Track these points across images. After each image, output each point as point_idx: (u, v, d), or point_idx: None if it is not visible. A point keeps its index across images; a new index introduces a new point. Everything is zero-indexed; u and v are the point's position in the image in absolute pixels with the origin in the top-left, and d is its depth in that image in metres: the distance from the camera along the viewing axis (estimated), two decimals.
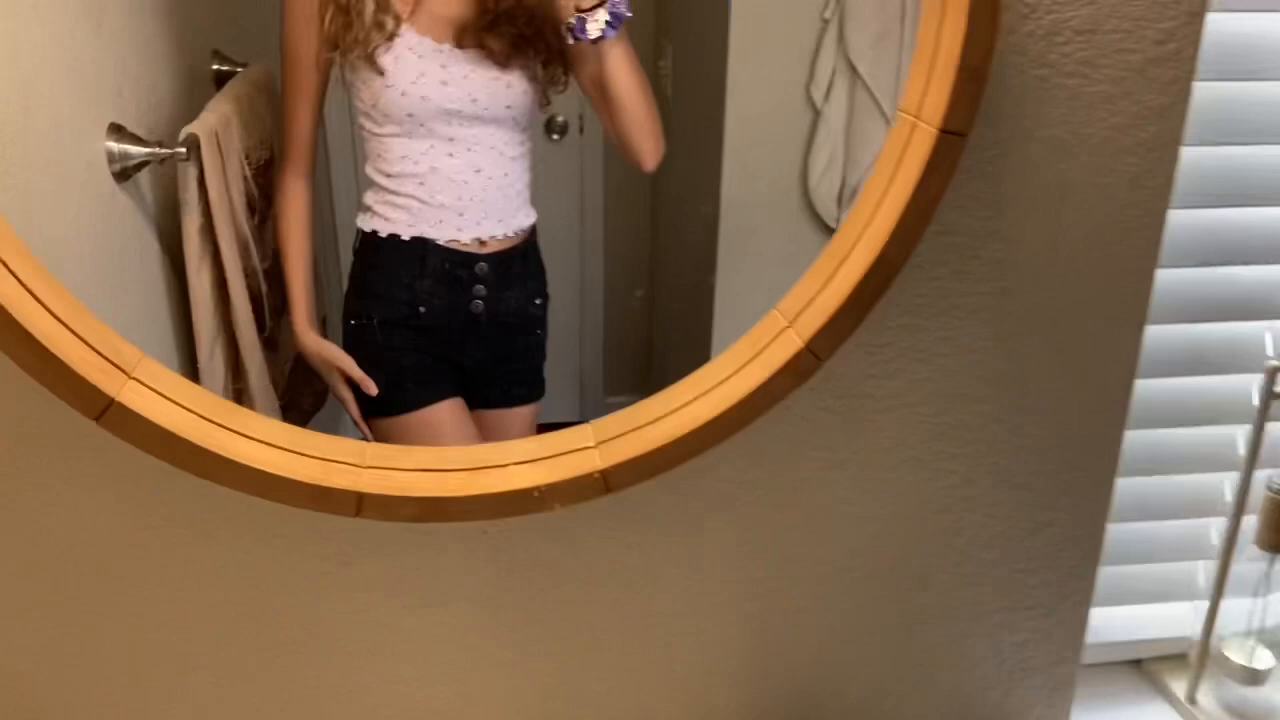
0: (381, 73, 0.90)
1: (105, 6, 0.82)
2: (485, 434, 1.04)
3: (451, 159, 0.93)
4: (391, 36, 0.89)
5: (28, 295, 0.72)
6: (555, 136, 1.01)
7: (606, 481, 0.81)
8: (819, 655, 0.97)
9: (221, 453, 0.76)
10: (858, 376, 0.86)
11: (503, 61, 0.91)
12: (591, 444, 0.83)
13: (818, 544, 0.92)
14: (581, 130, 1.02)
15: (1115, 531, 1.06)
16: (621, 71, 0.91)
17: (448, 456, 0.83)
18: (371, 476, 0.80)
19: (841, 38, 0.96)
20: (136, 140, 0.84)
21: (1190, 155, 0.92)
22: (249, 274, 0.94)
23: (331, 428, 0.96)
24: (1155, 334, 1.00)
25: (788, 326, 0.81)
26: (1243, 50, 0.95)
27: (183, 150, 0.86)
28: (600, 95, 0.93)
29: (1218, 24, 0.89)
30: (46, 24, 0.76)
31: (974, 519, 0.93)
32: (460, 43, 0.91)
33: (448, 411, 1.01)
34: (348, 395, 0.97)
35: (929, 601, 0.95)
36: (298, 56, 0.92)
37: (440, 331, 0.99)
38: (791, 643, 0.96)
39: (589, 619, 0.92)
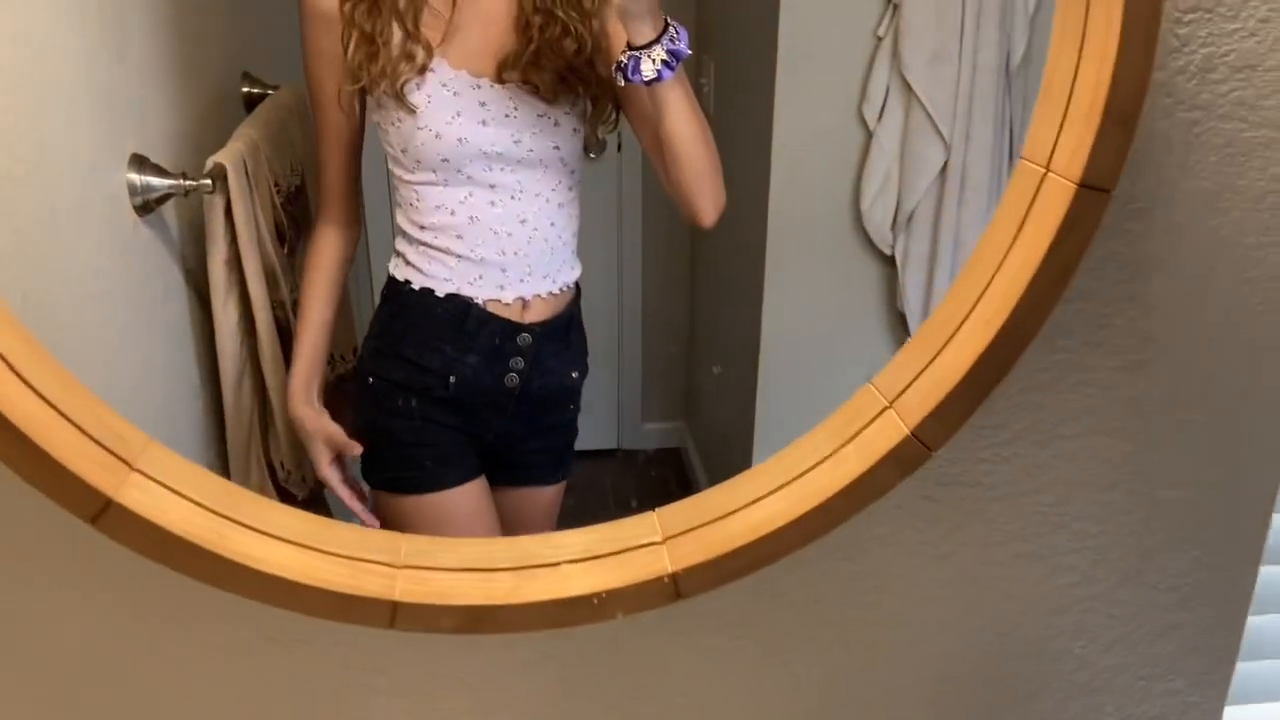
0: (412, 111, 0.79)
1: (128, 33, 0.78)
2: (503, 512, 0.93)
3: (493, 208, 0.82)
4: (422, 69, 0.79)
5: (12, 375, 0.62)
6: (592, 155, 0.91)
7: (677, 586, 0.70)
8: None
9: (234, 558, 0.66)
10: (967, 461, 0.75)
11: (549, 97, 0.80)
12: (658, 539, 0.72)
13: (915, 648, 0.80)
14: (619, 148, 0.94)
15: (1252, 624, 0.94)
16: (681, 118, 0.79)
17: (494, 554, 0.73)
18: (407, 580, 0.69)
19: (896, 55, 0.90)
20: (160, 172, 0.79)
21: None
22: (277, 305, 0.89)
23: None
24: None
25: (888, 407, 0.69)
26: None
27: (208, 183, 0.81)
28: (655, 143, 0.82)
29: None
30: (65, 53, 0.71)
31: (1094, 621, 0.81)
32: (500, 77, 0.80)
33: (465, 497, 0.90)
34: (334, 476, 0.87)
35: (1042, 712, 0.84)
36: (321, 95, 0.83)
37: (468, 404, 0.88)
38: None
39: None
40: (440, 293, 0.85)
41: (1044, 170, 0.64)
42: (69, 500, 0.63)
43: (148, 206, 0.79)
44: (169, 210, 0.82)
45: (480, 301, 0.85)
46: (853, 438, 0.70)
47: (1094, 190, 0.62)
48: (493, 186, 0.82)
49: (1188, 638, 0.83)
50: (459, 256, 0.84)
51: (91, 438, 0.64)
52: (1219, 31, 0.65)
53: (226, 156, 0.82)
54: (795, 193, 0.94)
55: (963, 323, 0.68)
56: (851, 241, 0.96)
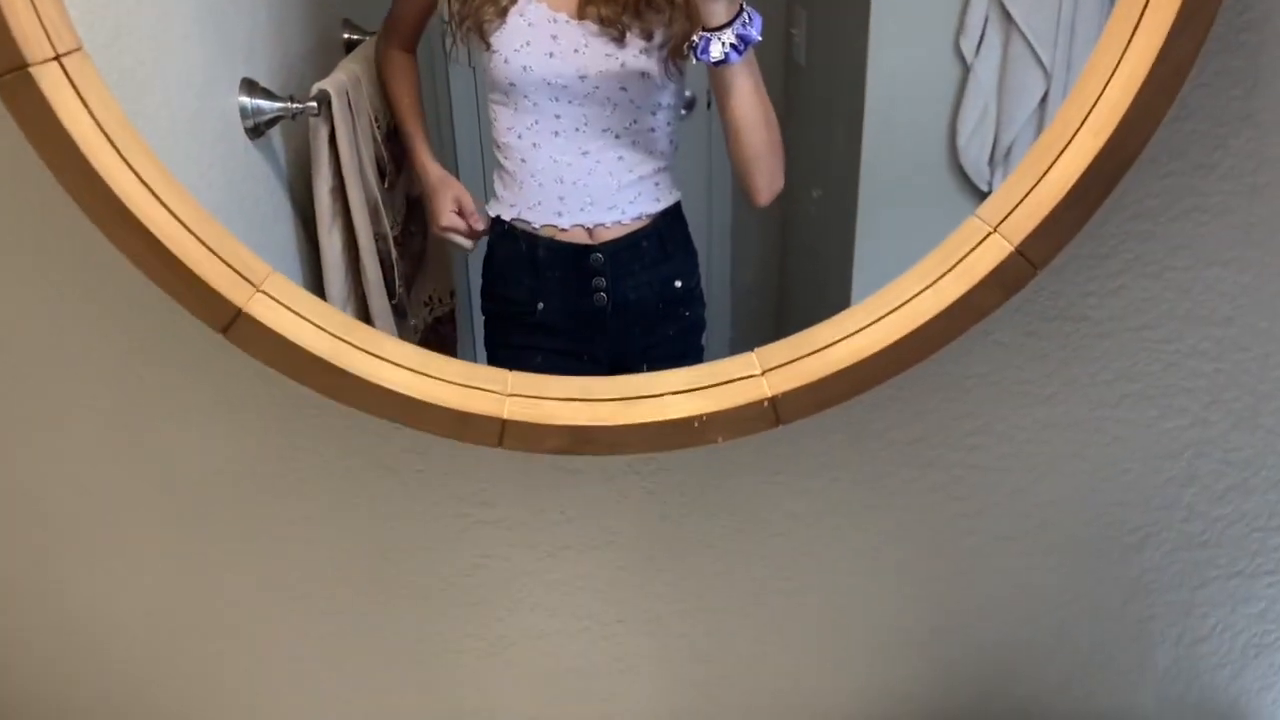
0: (490, 46, 0.85)
1: None
2: None
3: (557, 138, 0.86)
4: (504, 11, 0.84)
5: (155, 201, 0.67)
6: (684, 112, 0.93)
7: (777, 411, 0.71)
8: (1014, 627, 0.84)
9: (356, 373, 0.70)
10: (1073, 295, 0.73)
11: (619, 36, 0.83)
12: (758, 372, 0.73)
13: (1017, 494, 0.79)
14: (709, 105, 0.93)
15: None
16: (743, 100, 0.82)
17: (597, 387, 0.75)
18: (515, 404, 0.72)
19: None
20: (269, 95, 0.83)
21: None
22: (379, 238, 0.92)
23: None
24: None
25: (993, 231, 0.69)
26: None
27: (314, 105, 0.84)
28: (722, 112, 0.85)
29: None
30: None
31: (1208, 466, 0.79)
32: (579, 13, 0.83)
33: None
34: (453, 221, 0.93)
35: (1149, 564, 0.82)
36: (406, 7, 0.90)
37: (564, 327, 0.92)
38: (980, 611, 0.84)
39: (750, 572, 0.82)
40: (507, 218, 0.89)
41: None
42: (204, 310, 0.67)
43: (258, 130, 0.83)
44: (276, 137, 0.85)
45: (538, 225, 0.88)
46: (956, 264, 0.70)
47: None
48: (557, 117, 0.86)
49: None
50: (521, 181, 0.88)
51: (223, 259, 0.69)
52: None
53: (331, 84, 0.86)
54: (889, 134, 0.93)
55: (1071, 141, 0.66)
56: (947, 179, 0.94)
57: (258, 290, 0.69)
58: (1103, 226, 0.71)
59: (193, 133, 0.77)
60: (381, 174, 0.93)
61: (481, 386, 0.73)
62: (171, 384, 0.75)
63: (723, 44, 0.78)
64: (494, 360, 0.90)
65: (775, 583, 0.83)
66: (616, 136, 0.87)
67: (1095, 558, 0.82)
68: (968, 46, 0.89)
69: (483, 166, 0.95)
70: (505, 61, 0.85)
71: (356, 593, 0.83)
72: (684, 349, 0.96)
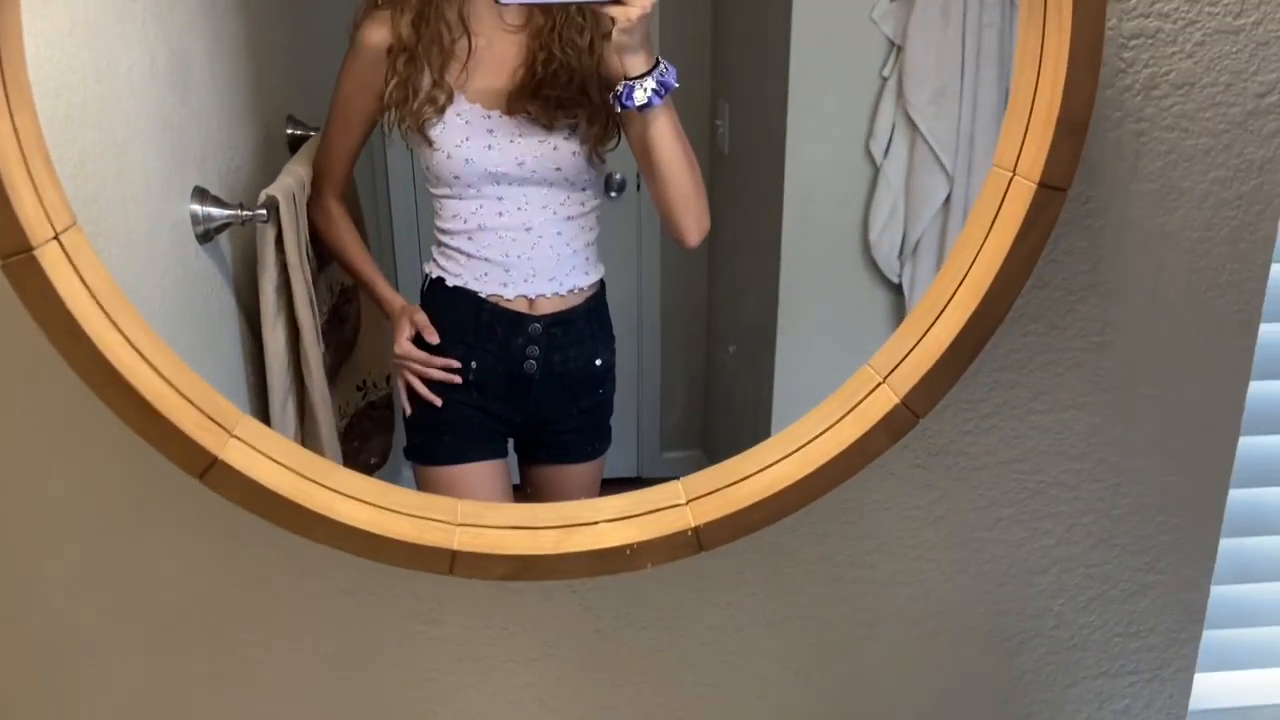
0: (430, 143, 0.92)
1: (191, 78, 0.85)
2: (547, 489, 1.03)
3: (501, 217, 0.94)
4: (443, 109, 0.91)
5: (137, 356, 0.73)
6: (613, 194, 1.01)
7: (699, 539, 0.80)
8: None
9: (320, 511, 0.77)
10: (953, 433, 0.84)
11: (548, 125, 0.92)
12: (682, 501, 0.82)
13: (909, 605, 0.90)
14: (639, 187, 1.01)
15: (1220, 594, 1.02)
16: (665, 141, 0.90)
17: (538, 514, 0.83)
18: (464, 534, 0.80)
19: (900, 94, 0.95)
20: (219, 203, 0.87)
21: None
22: (315, 330, 0.96)
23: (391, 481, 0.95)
24: (1261, 390, 0.97)
25: (882, 382, 0.80)
26: None
27: (263, 212, 0.88)
28: (646, 163, 0.93)
29: None
30: (138, 94, 0.79)
31: (1072, 580, 0.90)
32: (509, 110, 0.92)
33: (478, 475, 1.00)
34: (410, 350, 0.97)
35: (1025, 666, 0.93)
36: (349, 111, 0.94)
37: (492, 388, 0.98)
38: (880, 709, 0.93)
39: (679, 680, 0.90)
40: (450, 284, 0.96)
41: (1010, 174, 0.75)
42: (182, 458, 0.74)
43: (208, 236, 0.87)
44: (223, 241, 0.89)
45: (484, 295, 0.96)
46: (851, 410, 0.80)
47: (1051, 189, 0.72)
48: (500, 199, 0.94)
49: (1158, 597, 0.92)
50: (469, 255, 0.95)
51: (198, 407, 0.75)
52: (1160, 54, 0.76)
53: (279, 190, 0.89)
54: (807, 226, 0.99)
55: (944, 308, 0.78)
56: (861, 271, 1.00)
57: (231, 436, 0.76)
58: (976, 377, 0.83)
59: (148, 244, 0.81)
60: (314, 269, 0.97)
61: (433, 517, 0.80)
62: (148, 519, 0.81)
63: (645, 90, 0.87)
64: (417, 409, 0.97)
65: (700, 688, 0.91)
66: (554, 213, 0.94)
67: (979, 661, 0.92)
68: (877, 149, 0.97)
69: (419, 236, 0.99)
70: (448, 157, 0.92)
71: (315, 707, 0.89)
72: (595, 422, 1.03)
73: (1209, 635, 1.05)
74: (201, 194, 0.85)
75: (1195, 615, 0.93)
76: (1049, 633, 0.92)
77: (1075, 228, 0.79)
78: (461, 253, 0.95)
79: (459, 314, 0.97)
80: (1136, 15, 0.75)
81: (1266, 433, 1.01)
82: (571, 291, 0.97)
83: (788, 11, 0.94)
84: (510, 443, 1.01)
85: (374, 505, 0.80)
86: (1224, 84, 0.77)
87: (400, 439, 1.02)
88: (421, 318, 0.97)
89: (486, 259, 0.95)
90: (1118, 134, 0.77)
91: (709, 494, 0.82)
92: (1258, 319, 0.84)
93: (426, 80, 0.91)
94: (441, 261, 0.96)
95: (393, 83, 0.90)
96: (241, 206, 0.88)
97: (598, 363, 1.01)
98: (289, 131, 0.99)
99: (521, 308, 0.96)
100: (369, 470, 1.05)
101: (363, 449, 1.04)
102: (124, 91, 0.77)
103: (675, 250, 1.05)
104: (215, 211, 0.86)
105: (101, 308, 0.71)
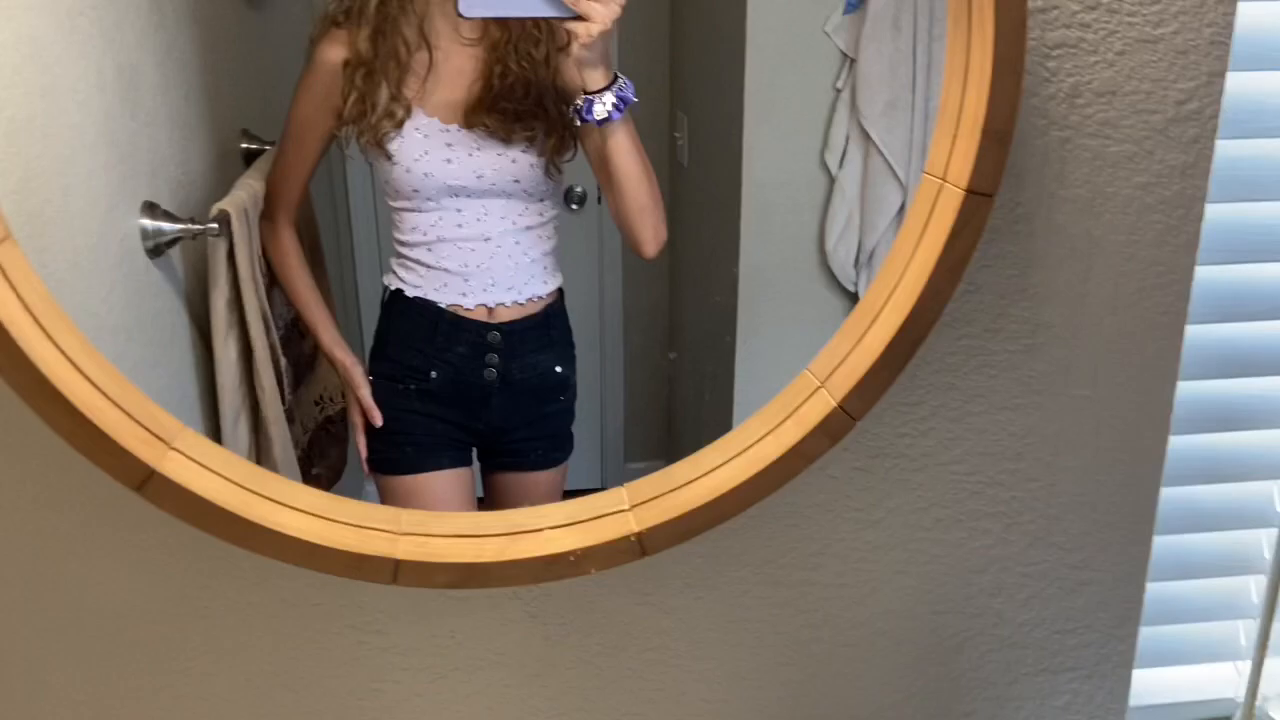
0: (389, 157, 0.92)
1: (141, 91, 0.85)
2: (509, 498, 1.03)
3: (460, 229, 0.95)
4: (401, 123, 0.92)
5: (70, 365, 0.73)
6: (574, 206, 1.02)
7: (642, 545, 0.81)
8: None
9: (260, 522, 0.76)
10: (891, 436, 0.86)
11: (505, 138, 0.93)
12: (626, 507, 0.82)
13: (853, 606, 0.91)
14: (600, 199, 1.02)
15: (1157, 591, 1.05)
16: (623, 153, 0.92)
17: (483, 522, 0.83)
18: (408, 544, 0.80)
19: (854, 106, 0.97)
20: (169, 217, 0.86)
21: (1215, 211, 0.92)
22: (270, 347, 0.96)
23: (353, 496, 0.96)
24: (1190, 389, 0.99)
25: (820, 386, 0.81)
26: (1264, 108, 0.96)
27: (214, 226, 0.88)
28: (606, 179, 0.95)
29: (1239, 82, 0.90)
30: (85, 108, 0.79)
31: (1011, 579, 0.92)
32: (467, 123, 0.93)
33: (440, 483, 1.01)
34: (357, 421, 0.99)
35: (968, 664, 0.94)
36: (305, 129, 0.94)
37: (452, 397, 0.99)
38: (828, 711, 0.94)
39: (625, 685, 0.91)
40: (409, 295, 0.97)
41: (941, 181, 0.76)
42: (119, 470, 0.73)
43: (158, 250, 0.86)
44: (175, 255, 0.88)
45: (444, 305, 0.96)
46: (791, 414, 0.82)
47: (979, 195, 0.74)
48: (459, 211, 0.94)
49: (1095, 594, 0.94)
50: (428, 266, 0.96)
51: (136, 420, 0.75)
52: (1083, 63, 0.78)
53: (231, 205, 0.89)
54: (764, 237, 1.00)
55: (879, 313, 0.80)
56: (818, 280, 1.01)
57: (170, 449, 0.76)
58: (913, 380, 0.85)
59: (95, 259, 0.80)
60: (268, 285, 0.96)
61: (376, 527, 0.80)
62: (85, 533, 0.81)
63: (604, 105, 0.88)
64: (384, 417, 0.98)
65: (648, 693, 0.92)
66: (513, 223, 0.95)
67: (922, 660, 0.93)
68: (832, 160, 0.98)
69: (379, 248, 1.00)
70: (407, 171, 0.92)
71: (262, 718, 0.88)
72: (556, 430, 1.04)
73: (1148, 632, 1.08)
74: (151, 208, 0.85)
75: (1132, 611, 0.95)
76: (989, 631, 0.93)
77: (1005, 233, 0.81)
78: (421, 264, 0.96)
79: (419, 324, 0.97)
80: (1059, 25, 0.77)
81: (1197, 431, 1.04)
82: (531, 300, 0.98)
83: (742, 25, 0.95)
84: (474, 452, 1.01)
85: (316, 516, 0.79)
86: (1145, 92, 0.79)
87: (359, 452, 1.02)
88: (362, 391, 0.98)
89: (446, 270, 0.95)
90: (1044, 141, 0.79)
91: (653, 499, 0.82)
92: (1184, 320, 0.86)
93: (384, 95, 0.91)
94: (401, 273, 0.97)
95: (351, 98, 0.91)
96: (192, 221, 0.88)
97: (557, 370, 1.02)
98: (244, 146, 0.99)
99: (481, 317, 0.96)
100: (328, 485, 1.06)
101: (323, 463, 1.04)
102: (70, 106, 0.77)
103: (637, 262, 1.06)
104: (165, 226, 0.86)
105: (36, 320, 0.71)
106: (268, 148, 1.00)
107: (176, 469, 0.75)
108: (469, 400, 0.99)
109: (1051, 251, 0.82)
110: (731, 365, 1.04)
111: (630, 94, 0.89)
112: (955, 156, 0.75)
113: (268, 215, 0.96)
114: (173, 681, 0.86)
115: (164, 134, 0.88)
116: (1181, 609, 1.11)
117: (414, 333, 0.98)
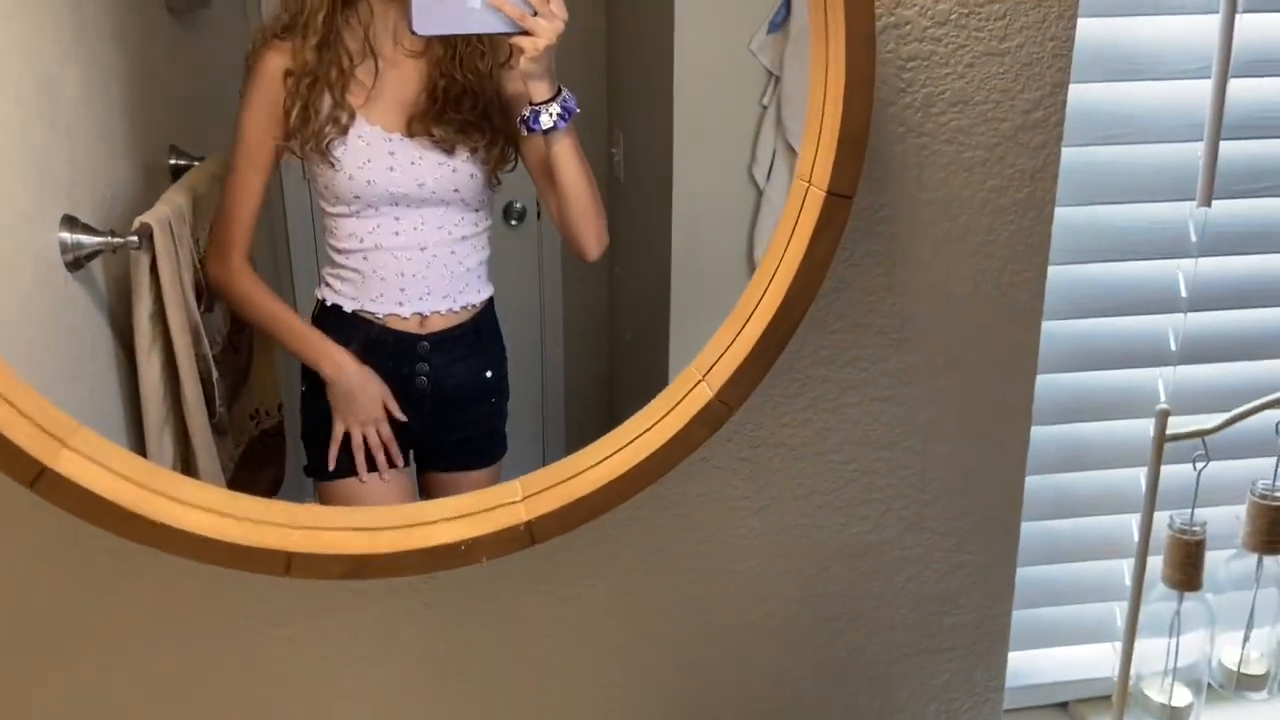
0: (333, 164, 0.94)
1: (61, 104, 0.85)
2: (444, 495, 1.05)
3: (397, 237, 0.97)
4: (345, 130, 0.94)
5: None
6: (514, 222, 1.06)
7: (531, 533, 0.84)
8: (748, 706, 0.99)
9: (154, 518, 0.78)
10: (773, 426, 0.91)
11: (449, 148, 0.96)
12: (518, 498, 0.86)
13: (739, 592, 0.95)
14: (539, 215, 1.06)
15: (1035, 574, 1.11)
16: (568, 161, 0.95)
17: (378, 516, 0.86)
18: (301, 536, 0.82)
19: (779, 122, 1.00)
20: (89, 230, 0.86)
21: (1064, 213, 0.98)
22: (199, 359, 0.96)
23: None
24: (1052, 381, 1.05)
25: (701, 380, 0.85)
26: (1106, 114, 1.02)
27: (134, 239, 0.88)
28: (547, 183, 0.98)
29: (1081, 92, 0.96)
30: (1, 120, 0.78)
31: (888, 563, 0.97)
32: (410, 131, 0.95)
33: (380, 485, 1.02)
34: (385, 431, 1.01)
35: (851, 645, 0.99)
36: (255, 145, 0.95)
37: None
38: (720, 696, 0.98)
39: (521, 673, 0.94)
40: (347, 309, 0.99)
41: (807, 184, 0.82)
42: (10, 467, 0.75)
43: (78, 263, 0.86)
44: (97, 268, 0.88)
45: (381, 316, 0.99)
46: (675, 406, 0.86)
47: (839, 197, 0.79)
48: (397, 219, 0.97)
49: (968, 576, 0.99)
50: (364, 276, 0.98)
51: (29, 418, 0.77)
52: (935, 75, 0.84)
53: (153, 217, 0.89)
54: (695, 248, 1.04)
55: (754, 308, 0.84)
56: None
57: (65, 447, 0.77)
58: (790, 373, 0.89)
59: (11, 271, 0.80)
60: (200, 297, 0.97)
61: (270, 521, 0.83)
62: None
63: (550, 115, 0.91)
64: (311, 432, 1.00)
65: (546, 680, 0.95)
66: (449, 233, 0.98)
67: (808, 642, 0.98)
68: (759, 174, 1.01)
69: (316, 259, 1.01)
70: (350, 178, 0.94)
71: (165, 712, 0.90)
72: (490, 430, 1.07)
73: (1029, 614, 1.14)
74: (71, 221, 0.85)
75: (1004, 592, 1.01)
76: (870, 613, 0.98)
77: (870, 234, 0.87)
78: (356, 272, 0.97)
79: (351, 337, 0.99)
80: (912, 39, 0.83)
81: (1058, 422, 1.09)
82: (464, 309, 1.00)
83: (670, 45, 0.98)
84: (412, 453, 1.03)
85: (212, 511, 0.81)
86: (994, 101, 0.85)
87: (295, 463, 1.04)
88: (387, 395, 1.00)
89: (381, 278, 0.97)
90: (902, 147, 0.85)
91: (544, 490, 0.86)
92: (1040, 316, 0.92)
93: (327, 102, 0.93)
94: (336, 284, 0.99)
95: (295, 107, 0.92)
96: (113, 233, 0.88)
97: (488, 374, 1.05)
98: (172, 162, 0.99)
99: (413, 328, 0.99)
100: (269, 495, 1.06)
101: (257, 477, 1.05)
102: None
103: (576, 276, 1.12)
104: (85, 239, 0.86)
105: None
106: (196, 163, 1.00)
107: (71, 466, 0.77)
108: (403, 406, 1.01)
109: (914, 251, 0.88)
110: (666, 366, 1.06)
111: (574, 105, 0.92)
112: (819, 161, 0.81)
113: (222, 257, 0.96)
114: (76, 679, 0.87)
115: (86, 147, 0.88)
116: (1058, 591, 1.17)
117: (346, 341, 0.99)
